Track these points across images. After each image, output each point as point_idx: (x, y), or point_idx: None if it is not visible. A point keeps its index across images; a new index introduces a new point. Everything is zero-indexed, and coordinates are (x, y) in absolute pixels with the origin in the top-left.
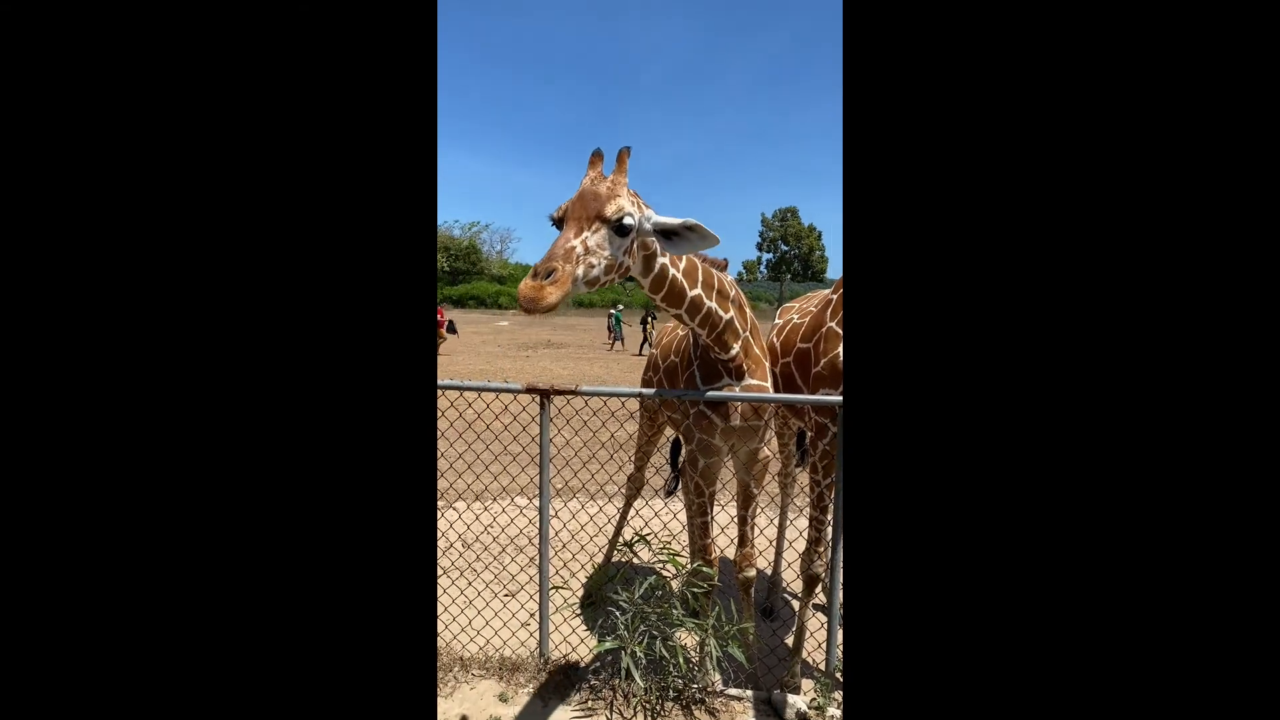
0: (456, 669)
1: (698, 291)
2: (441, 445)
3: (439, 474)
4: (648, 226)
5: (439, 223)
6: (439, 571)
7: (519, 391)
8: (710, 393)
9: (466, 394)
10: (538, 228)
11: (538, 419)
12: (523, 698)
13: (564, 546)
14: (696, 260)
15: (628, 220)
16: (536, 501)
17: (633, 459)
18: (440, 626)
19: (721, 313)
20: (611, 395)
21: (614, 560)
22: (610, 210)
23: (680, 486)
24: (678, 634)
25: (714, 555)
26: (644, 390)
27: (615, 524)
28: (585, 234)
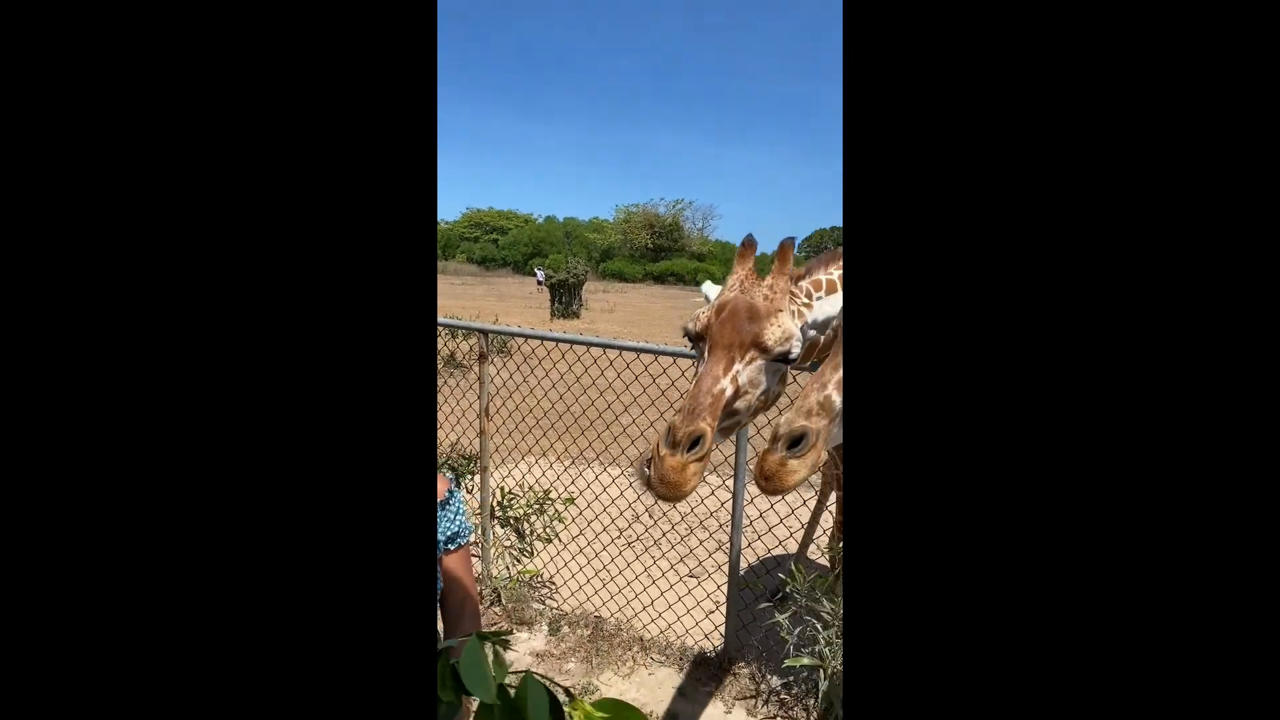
0: (636, 649)
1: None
2: (633, 412)
3: (630, 440)
4: (812, 334)
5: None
6: (625, 543)
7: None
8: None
9: (659, 361)
10: (738, 206)
11: None
12: (703, 696)
13: (759, 538)
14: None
15: (795, 350)
16: (729, 482)
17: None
18: (623, 601)
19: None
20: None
21: (811, 560)
22: (772, 337)
23: None
24: None
25: None
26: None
27: (810, 520)
28: (737, 367)
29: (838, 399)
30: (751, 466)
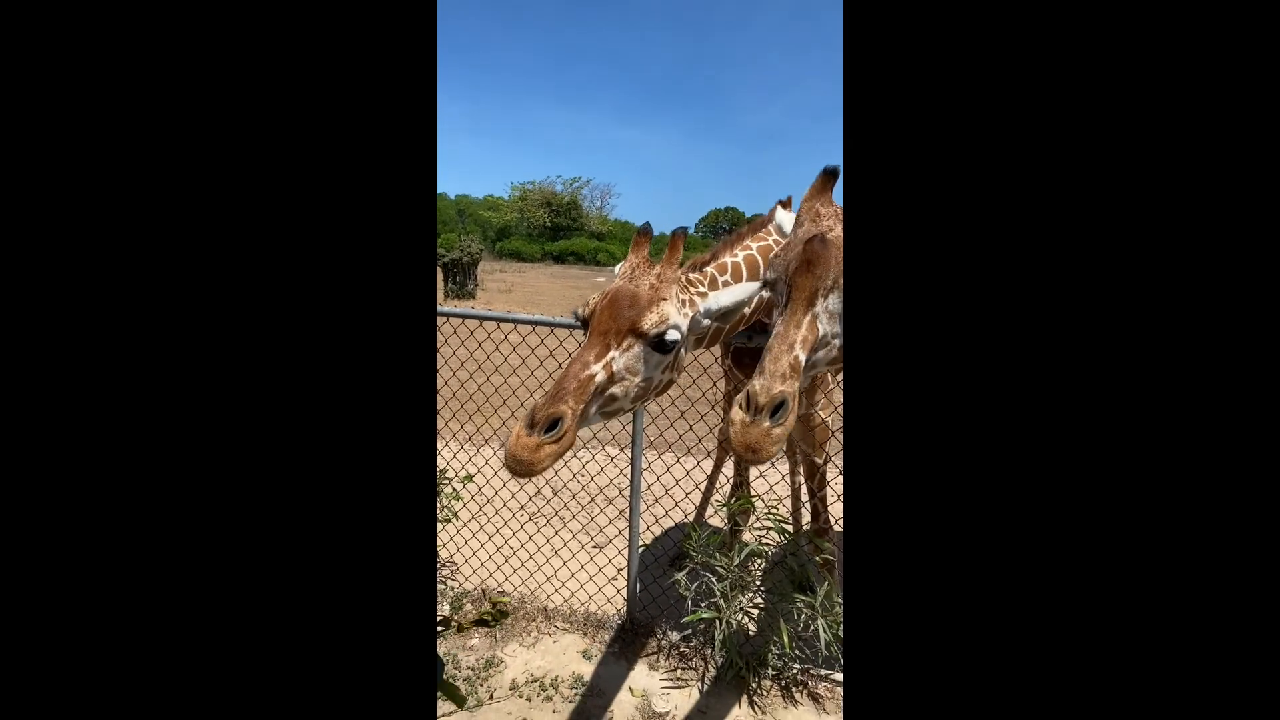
0: (540, 619)
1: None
2: (531, 385)
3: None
4: (704, 324)
5: (543, 178)
6: (526, 517)
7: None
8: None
9: (554, 335)
10: (638, 183)
11: None
12: (608, 658)
13: (656, 502)
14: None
15: (671, 336)
16: (628, 452)
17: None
18: (525, 575)
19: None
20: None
21: (707, 522)
22: (649, 322)
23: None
24: (782, 608)
25: (830, 527)
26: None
27: (706, 483)
28: (612, 353)
29: (803, 356)
30: (646, 439)
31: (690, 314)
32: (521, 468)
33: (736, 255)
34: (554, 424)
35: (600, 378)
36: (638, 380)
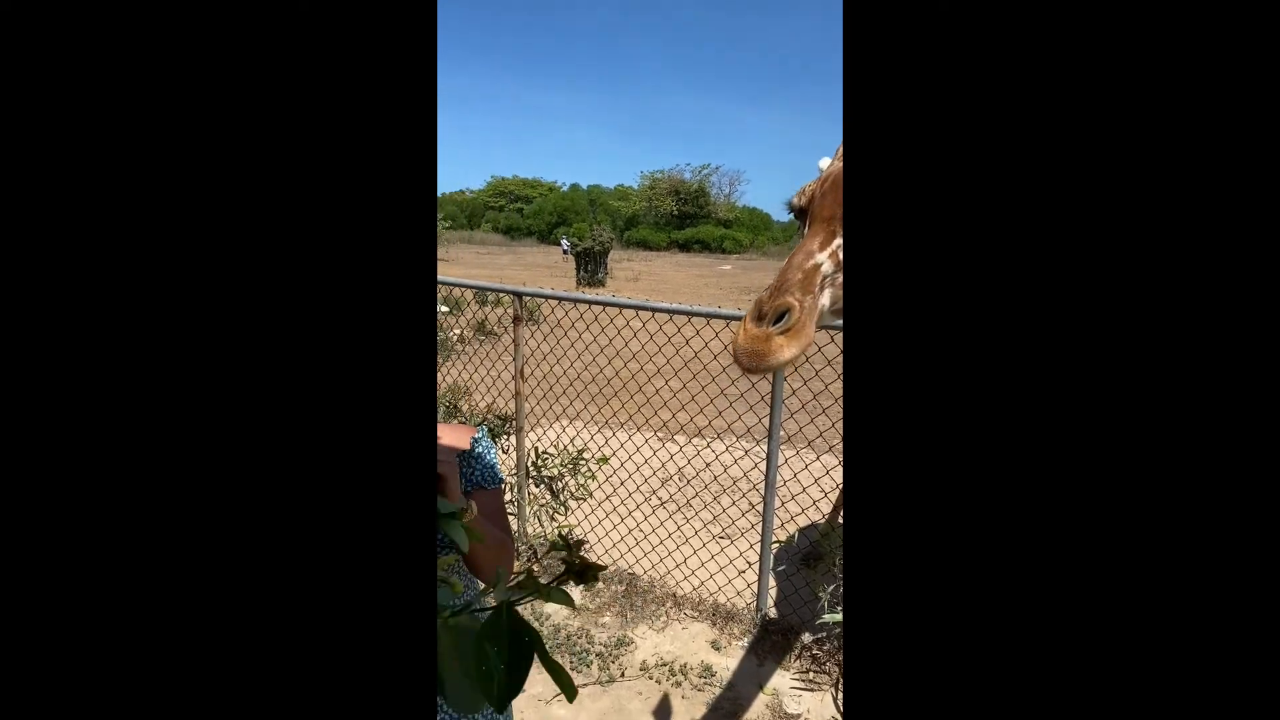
0: (669, 605)
1: None
2: (666, 374)
3: (662, 403)
4: None
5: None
6: (658, 503)
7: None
8: None
9: (687, 327)
10: (767, 171)
11: None
12: (736, 650)
13: (793, 498)
14: None
15: None
16: (763, 445)
17: None
18: (656, 559)
19: None
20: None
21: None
22: None
23: None
24: None
25: None
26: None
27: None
28: (838, 241)
29: (826, 264)
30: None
31: None
32: (752, 360)
33: None
34: (782, 315)
35: (827, 268)
36: None
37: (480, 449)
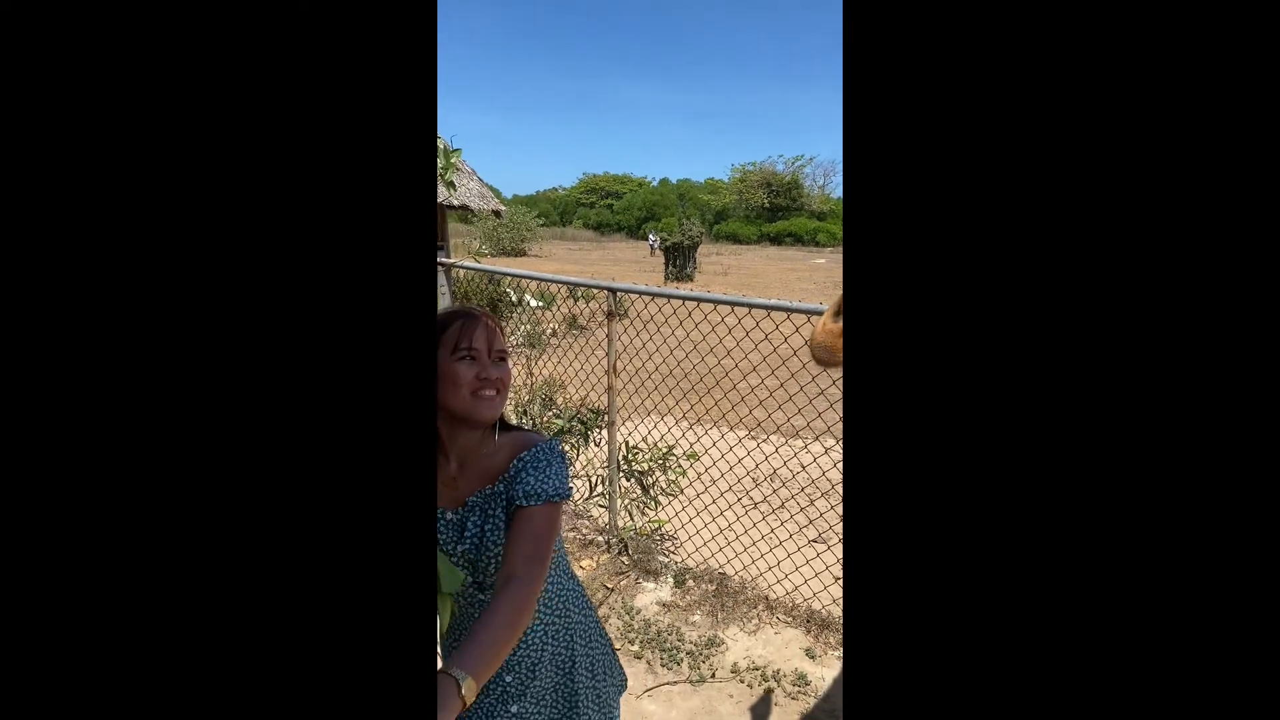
0: (761, 608)
1: None
2: (762, 372)
3: (757, 402)
4: None
5: (764, 158)
6: (751, 504)
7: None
8: None
9: (786, 324)
10: None
11: None
12: (833, 661)
13: None
14: None
15: None
16: None
17: None
18: (747, 560)
19: None
20: None
21: None
22: None
23: None
24: None
25: None
26: None
27: None
28: None
29: None
30: None
31: None
32: (825, 354)
33: None
34: None
35: None
36: None
37: (543, 458)
